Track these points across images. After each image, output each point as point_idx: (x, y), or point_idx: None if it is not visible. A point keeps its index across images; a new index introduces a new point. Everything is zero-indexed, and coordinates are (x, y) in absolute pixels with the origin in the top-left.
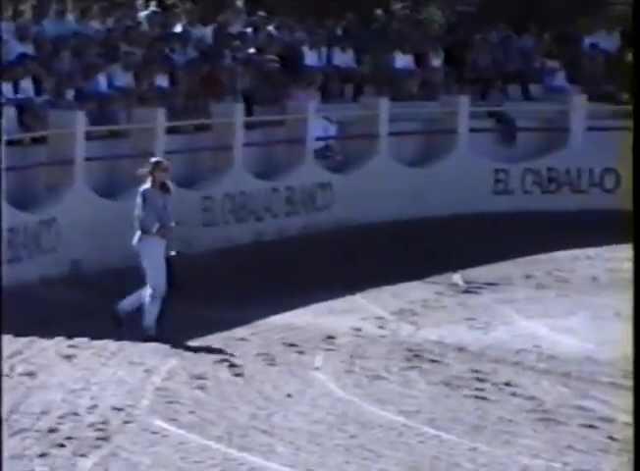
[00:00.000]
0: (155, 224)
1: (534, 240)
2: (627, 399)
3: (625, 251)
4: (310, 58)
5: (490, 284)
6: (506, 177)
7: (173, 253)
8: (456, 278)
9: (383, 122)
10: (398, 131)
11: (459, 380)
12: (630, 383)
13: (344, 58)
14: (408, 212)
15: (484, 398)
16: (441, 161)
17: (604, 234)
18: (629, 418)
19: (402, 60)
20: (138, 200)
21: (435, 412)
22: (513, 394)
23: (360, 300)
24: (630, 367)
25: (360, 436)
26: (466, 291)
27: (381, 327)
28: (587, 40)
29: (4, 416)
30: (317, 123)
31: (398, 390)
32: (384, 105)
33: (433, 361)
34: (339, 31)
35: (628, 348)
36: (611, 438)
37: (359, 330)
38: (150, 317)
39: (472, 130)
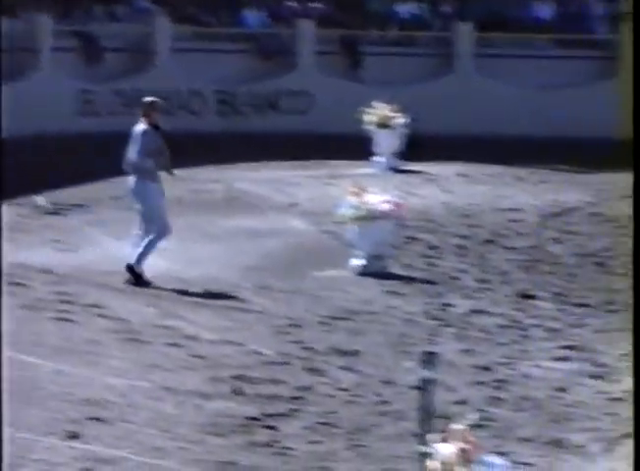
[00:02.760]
0: (153, 166)
1: (120, 161)
2: (210, 318)
3: (207, 173)
4: None
5: (77, 205)
6: (93, 97)
7: None
8: (40, 200)
9: None
10: None
11: (44, 302)
12: (218, 302)
13: None
14: None
15: (69, 320)
16: (24, 80)
17: (186, 155)
18: (212, 335)
19: None
20: (134, 141)
21: (18, 335)
22: (100, 316)
23: None
24: (214, 286)
25: None
26: (52, 213)
27: None
28: None
29: None
30: None
31: None
32: None
33: (17, 284)
34: None
35: (211, 268)
36: (194, 355)
37: None
38: (143, 259)
39: (56, 50)
